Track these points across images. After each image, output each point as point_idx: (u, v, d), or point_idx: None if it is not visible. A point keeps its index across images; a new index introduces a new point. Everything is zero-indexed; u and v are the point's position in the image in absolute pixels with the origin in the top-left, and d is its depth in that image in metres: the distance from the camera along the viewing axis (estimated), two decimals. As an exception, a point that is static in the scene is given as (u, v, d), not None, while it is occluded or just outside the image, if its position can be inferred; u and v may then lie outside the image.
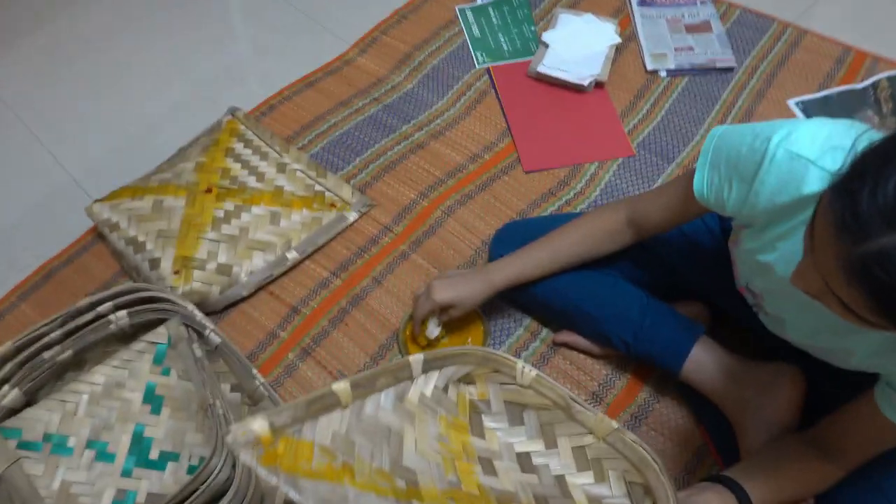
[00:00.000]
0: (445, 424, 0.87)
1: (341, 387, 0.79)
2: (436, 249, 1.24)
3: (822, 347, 0.82)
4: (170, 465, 0.95)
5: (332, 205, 1.28)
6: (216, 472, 0.87)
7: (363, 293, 1.20)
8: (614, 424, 0.80)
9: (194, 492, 0.86)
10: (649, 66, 1.48)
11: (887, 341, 0.70)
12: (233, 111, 1.40)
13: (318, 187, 1.29)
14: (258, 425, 0.72)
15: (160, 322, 1.04)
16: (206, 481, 0.86)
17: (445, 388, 0.88)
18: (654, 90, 1.46)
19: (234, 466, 0.90)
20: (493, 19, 1.61)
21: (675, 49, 1.51)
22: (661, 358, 1.00)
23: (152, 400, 0.99)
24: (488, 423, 0.87)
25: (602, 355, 1.10)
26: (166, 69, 1.57)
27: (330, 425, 0.79)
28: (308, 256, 1.24)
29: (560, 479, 0.83)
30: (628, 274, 1.05)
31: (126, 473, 0.94)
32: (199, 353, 1.01)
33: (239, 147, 1.33)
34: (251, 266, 1.18)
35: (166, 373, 1.01)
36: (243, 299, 1.18)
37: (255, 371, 1.03)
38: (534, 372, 0.84)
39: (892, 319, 0.52)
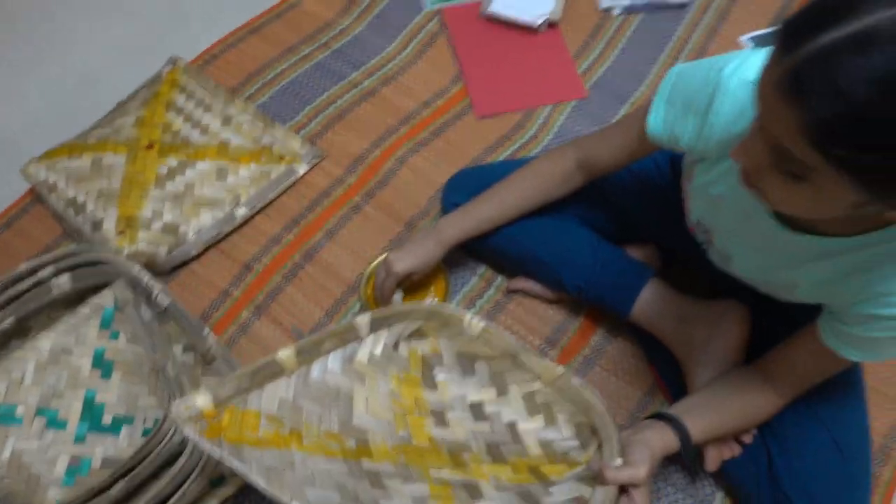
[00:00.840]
0: (397, 381, 0.88)
1: (286, 354, 0.79)
2: (389, 200, 1.22)
3: (768, 282, 0.83)
4: (124, 429, 0.94)
5: (281, 157, 1.24)
6: (170, 434, 0.86)
7: (317, 247, 1.18)
8: (560, 370, 0.82)
9: (148, 454, 0.86)
10: (603, 4, 1.45)
11: (829, 273, 0.72)
12: (174, 61, 1.34)
13: (265, 139, 1.25)
14: (201, 400, 0.73)
15: (106, 285, 1.01)
16: (160, 444, 0.86)
17: (396, 346, 0.88)
18: (608, 29, 1.43)
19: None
20: (443, -43, 1.54)
21: (631, -15, 1.47)
22: (611, 301, 1.01)
23: (102, 365, 0.98)
24: (440, 375, 0.88)
25: (556, 300, 1.11)
26: (103, 11, 1.48)
27: (276, 393, 0.80)
28: (258, 212, 1.21)
29: (511, 426, 0.85)
30: (580, 218, 1.05)
31: (79, 440, 0.93)
32: (147, 315, 0.99)
33: (181, 100, 1.28)
34: (199, 224, 1.15)
35: (115, 336, 0.99)
36: (192, 259, 1.16)
37: (206, 331, 1.02)
38: (482, 323, 0.84)
39: (828, 143, 0.51)
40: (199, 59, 1.40)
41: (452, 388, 0.88)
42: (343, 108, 1.33)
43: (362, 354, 0.87)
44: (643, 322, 1.00)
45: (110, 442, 0.93)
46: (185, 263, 1.16)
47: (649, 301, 0.99)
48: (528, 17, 1.40)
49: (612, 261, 1.02)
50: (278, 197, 1.22)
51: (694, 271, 1.04)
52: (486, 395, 0.87)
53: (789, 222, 0.72)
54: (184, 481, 0.87)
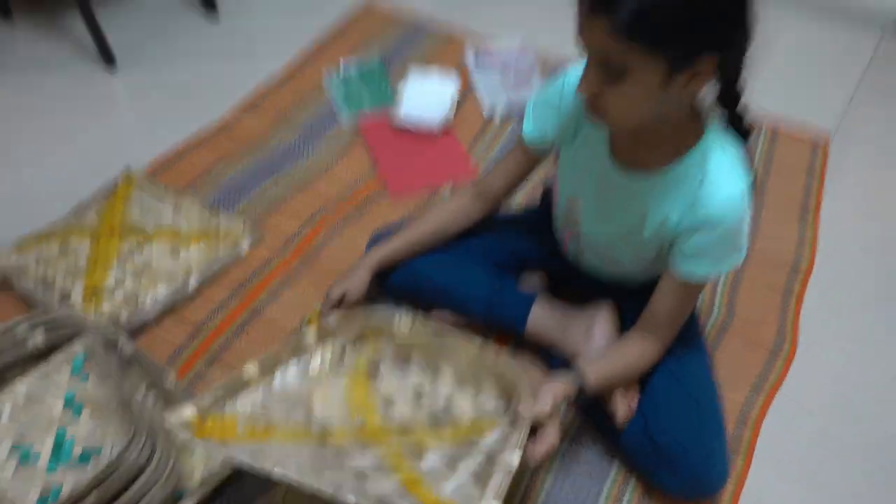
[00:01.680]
0: (348, 381, 1.06)
1: (249, 369, 0.99)
2: (323, 264, 1.44)
3: (622, 241, 1.07)
4: (93, 459, 1.05)
5: (226, 237, 1.45)
6: (133, 454, 0.98)
7: (261, 307, 1.37)
8: (477, 346, 1.02)
9: (111, 474, 0.97)
10: (485, 113, 1.81)
11: (660, 199, 0.96)
12: (127, 170, 1.56)
13: (212, 224, 1.47)
14: (188, 411, 0.92)
15: (75, 337, 1.16)
16: (129, 459, 0.97)
17: (342, 354, 1.07)
18: (491, 130, 1.78)
19: (152, 451, 1.02)
20: (355, 80, 1.89)
21: (507, 98, 1.84)
22: (508, 322, 1.24)
23: (72, 405, 1.10)
24: (383, 371, 1.07)
25: (466, 326, 1.32)
26: (57, 141, 1.70)
27: (247, 400, 0.99)
28: (207, 282, 1.39)
29: (448, 398, 1.03)
30: (483, 256, 1.29)
31: (51, 471, 1.03)
32: (114, 361, 1.14)
33: (136, 197, 1.49)
34: (155, 293, 1.32)
35: (85, 379, 1.12)
36: (150, 323, 1.32)
37: (167, 372, 1.17)
38: (408, 319, 1.05)
39: (626, 20, 0.73)
40: (149, 170, 1.63)
41: (394, 380, 1.06)
42: (277, 199, 1.57)
43: (314, 363, 1.06)
44: (537, 334, 1.23)
45: (80, 471, 1.04)
46: (143, 328, 1.31)
47: (538, 316, 1.22)
48: (429, 122, 1.72)
49: (507, 289, 1.26)
50: (225, 269, 1.42)
51: (572, 288, 1.30)
52: (424, 379, 1.06)
53: (622, 166, 0.99)
54: (148, 491, 0.99)
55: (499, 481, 0.83)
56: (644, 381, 1.12)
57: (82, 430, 1.08)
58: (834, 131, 1.83)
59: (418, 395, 1.05)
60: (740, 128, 0.95)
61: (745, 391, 1.28)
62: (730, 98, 0.92)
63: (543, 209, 1.30)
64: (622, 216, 1.04)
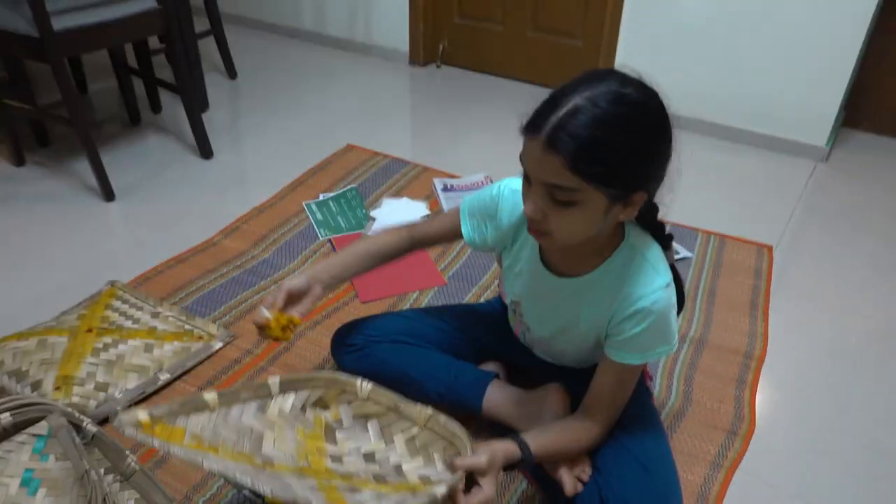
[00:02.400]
0: (302, 434, 1.08)
1: (210, 396, 1.02)
2: (290, 362, 1.49)
3: (563, 335, 1.15)
4: (42, 542, 1.05)
5: (200, 337, 1.52)
6: None
7: (227, 399, 1.40)
8: (429, 411, 1.06)
9: None
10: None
11: (590, 298, 1.05)
12: (112, 282, 1.66)
13: (187, 326, 1.54)
14: (140, 414, 0.94)
15: (41, 419, 1.18)
16: None
17: (304, 409, 1.10)
18: (458, 244, 1.91)
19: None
20: (333, 208, 2.06)
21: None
22: (466, 400, 1.28)
23: (29, 484, 1.10)
24: (340, 436, 1.09)
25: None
26: (50, 263, 1.82)
27: (199, 421, 1.00)
28: (178, 377, 1.44)
29: (397, 467, 1.05)
30: (441, 347, 1.36)
31: (1, 548, 1.02)
32: (77, 440, 1.16)
33: (117, 304, 1.58)
34: (126, 385, 1.37)
35: (45, 459, 1.14)
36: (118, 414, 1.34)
37: (127, 451, 1.18)
38: (370, 385, 1.09)
39: (578, 162, 0.84)
40: (132, 283, 1.73)
41: (349, 443, 1.08)
42: (253, 304, 1.66)
43: (273, 409, 1.08)
44: (493, 413, 1.27)
45: (30, 548, 1.03)
46: (111, 418, 1.34)
47: (493, 396, 1.27)
48: (398, 237, 1.86)
49: (464, 371, 1.31)
50: (196, 366, 1.47)
51: (528, 376, 1.34)
52: (377, 447, 1.08)
53: (555, 271, 1.08)
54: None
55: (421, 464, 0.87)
56: (595, 453, 1.15)
57: (35, 508, 1.08)
58: (776, 244, 1.97)
59: (369, 460, 1.06)
60: (661, 235, 1.07)
61: (704, 470, 1.28)
62: (650, 214, 1.05)
63: (503, 313, 1.40)
64: (559, 315, 1.14)
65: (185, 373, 1.45)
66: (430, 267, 1.81)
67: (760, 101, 2.47)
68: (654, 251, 1.03)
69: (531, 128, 0.88)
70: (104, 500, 1.07)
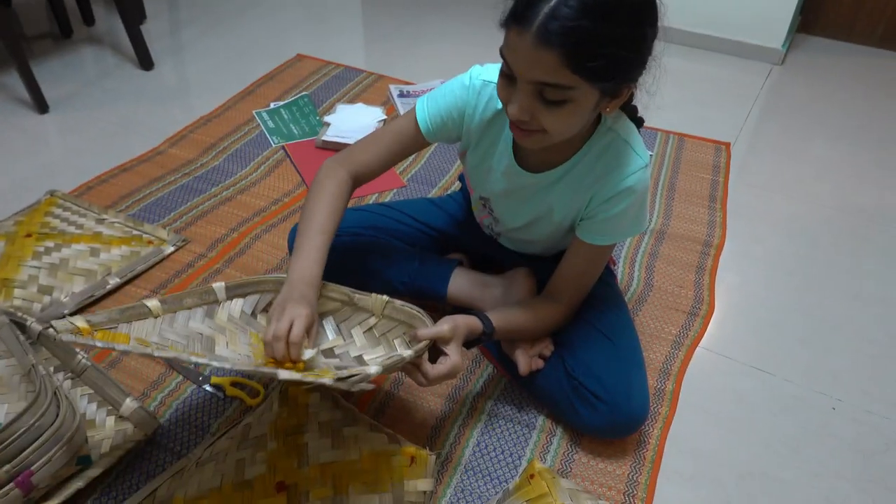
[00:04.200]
0: (256, 339, 1.03)
1: (152, 303, 0.96)
2: (246, 263, 1.44)
3: (535, 225, 1.12)
4: (-10, 435, 1.00)
5: (150, 242, 1.45)
6: (33, 418, 0.92)
7: (182, 301, 1.35)
8: (385, 298, 1.03)
9: (9, 437, 0.91)
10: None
11: (564, 188, 1.02)
12: (51, 192, 1.57)
13: (135, 232, 1.47)
14: (78, 321, 0.88)
15: (-19, 321, 1.12)
16: (19, 428, 0.92)
17: (254, 315, 1.05)
18: (417, 146, 1.86)
19: (56, 415, 0.98)
20: (285, 115, 1.97)
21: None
22: (431, 286, 1.26)
23: (-28, 383, 1.05)
24: None
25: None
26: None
27: (143, 327, 0.94)
28: (128, 282, 1.38)
29: (359, 357, 1.01)
30: (406, 240, 1.32)
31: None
32: (21, 338, 1.10)
33: (58, 211, 1.49)
34: (72, 288, 1.30)
35: (-13, 358, 1.08)
36: (64, 318, 1.28)
37: (77, 350, 1.13)
38: (311, 353, 0.97)
39: (575, 58, 0.76)
40: (74, 192, 1.64)
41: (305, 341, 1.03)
42: (205, 210, 1.59)
43: (221, 314, 1.03)
44: (458, 298, 1.25)
45: (-25, 446, 0.98)
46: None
47: (458, 280, 1.25)
48: (353, 140, 1.79)
49: (427, 259, 1.29)
50: (147, 270, 1.41)
51: (493, 266, 1.33)
52: (335, 343, 1.03)
53: (530, 168, 1.04)
54: (50, 451, 0.94)
55: (386, 360, 0.83)
56: (560, 332, 1.14)
57: (-20, 406, 1.03)
58: (734, 142, 1.97)
59: (328, 356, 1.02)
60: (635, 117, 1.03)
61: (666, 348, 1.30)
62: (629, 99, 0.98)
63: (464, 194, 1.36)
64: (532, 208, 1.10)
65: (135, 277, 1.39)
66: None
67: (717, 6, 2.43)
68: (632, 132, 1.00)
69: (518, 19, 0.78)
70: (55, 393, 1.02)
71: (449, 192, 1.67)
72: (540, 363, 1.11)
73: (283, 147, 1.84)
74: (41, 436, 0.93)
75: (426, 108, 1.08)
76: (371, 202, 1.64)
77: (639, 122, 1.04)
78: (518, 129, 0.89)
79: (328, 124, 1.87)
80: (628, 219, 1.02)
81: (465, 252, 1.38)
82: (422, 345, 0.92)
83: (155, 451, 1.07)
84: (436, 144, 1.55)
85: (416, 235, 1.34)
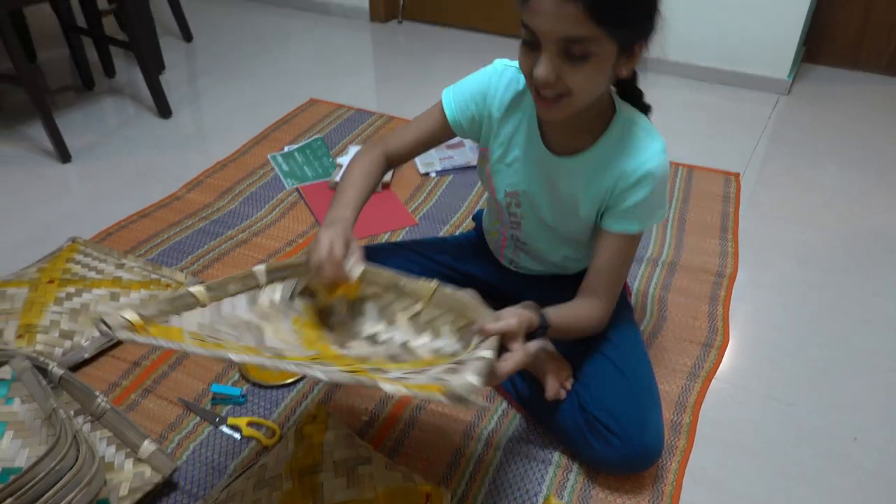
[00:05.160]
0: (298, 324, 1.00)
1: (198, 288, 0.92)
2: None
3: (562, 221, 1.12)
4: (12, 477, 1.01)
5: (168, 285, 1.48)
6: (53, 462, 0.94)
7: (199, 343, 1.37)
8: (433, 284, 0.98)
9: (30, 481, 0.92)
10: (421, 170, 1.94)
11: (591, 176, 1.04)
12: (73, 239, 1.61)
13: (153, 276, 1.50)
14: (129, 314, 0.83)
15: (4, 364, 1.15)
16: (40, 472, 0.93)
17: (292, 298, 1.02)
18: (428, 184, 1.89)
19: (76, 459, 0.99)
20: (299, 158, 2.02)
21: (440, 159, 1.98)
22: None
23: (-5, 427, 1.07)
24: (335, 320, 1.03)
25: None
26: (8, 221, 1.76)
27: (193, 319, 0.91)
28: (147, 325, 1.40)
29: (404, 344, 0.99)
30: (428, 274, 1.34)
31: (-32, 490, 0.99)
32: (43, 383, 1.13)
33: (79, 257, 1.53)
34: (92, 332, 1.33)
35: (10, 402, 1.10)
36: (86, 362, 1.31)
37: (96, 392, 1.15)
38: (360, 267, 0.98)
39: (597, 8, 0.81)
40: (95, 238, 1.68)
41: (347, 329, 1.02)
42: (221, 253, 1.62)
43: (263, 299, 1.00)
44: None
45: (-2, 488, 0.99)
46: (78, 367, 1.30)
47: None
48: (366, 182, 1.83)
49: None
50: (165, 313, 1.43)
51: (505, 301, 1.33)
52: (378, 328, 1.01)
53: (554, 152, 1.06)
54: (69, 495, 0.95)
55: (477, 366, 0.78)
56: (575, 365, 1.15)
57: (3, 451, 1.05)
58: (744, 172, 1.98)
59: (373, 343, 1.00)
60: (642, 104, 1.07)
61: (682, 380, 1.29)
62: (633, 81, 1.04)
63: (477, 234, 1.38)
64: (560, 196, 1.10)
65: (153, 320, 1.41)
66: (399, 208, 1.79)
67: (723, 39, 2.47)
68: (645, 120, 1.04)
69: None
70: (75, 437, 1.04)
71: (460, 230, 1.70)
72: (563, 393, 1.11)
73: (297, 189, 1.88)
74: (61, 479, 0.95)
75: (451, 94, 1.14)
76: (384, 240, 1.67)
77: (646, 109, 1.07)
78: (543, 100, 0.92)
79: (341, 165, 1.91)
80: (653, 203, 1.03)
81: (477, 289, 1.39)
82: (493, 340, 0.88)
83: (173, 494, 1.08)
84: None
85: (428, 273, 1.35)
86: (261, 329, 0.96)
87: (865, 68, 2.62)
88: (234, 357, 0.77)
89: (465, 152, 2.03)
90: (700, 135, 2.19)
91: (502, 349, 0.90)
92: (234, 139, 2.14)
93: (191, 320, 0.90)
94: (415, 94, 2.47)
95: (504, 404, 1.24)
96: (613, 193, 1.03)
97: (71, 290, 1.39)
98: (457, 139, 2.06)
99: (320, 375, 0.75)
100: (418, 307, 1.01)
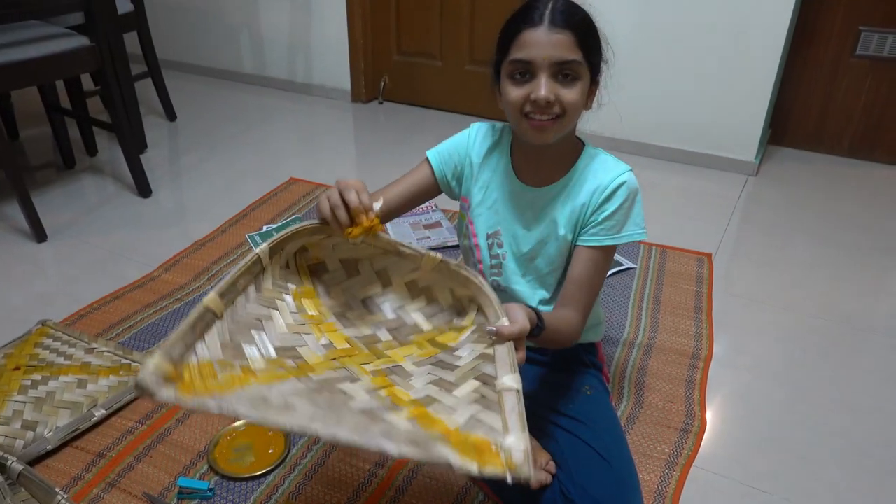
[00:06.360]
0: (296, 295, 0.97)
1: (210, 298, 0.85)
2: (234, 390, 1.44)
3: (543, 250, 1.15)
4: (-39, 584, 0.96)
5: (138, 371, 1.45)
6: None
7: (168, 431, 1.33)
8: (439, 257, 0.93)
9: None
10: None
11: (564, 200, 1.11)
12: (43, 322, 1.58)
13: (124, 360, 1.47)
14: (159, 362, 0.74)
15: (-39, 460, 1.10)
16: None
17: (287, 265, 0.98)
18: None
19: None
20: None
21: (418, 239, 2.00)
22: None
23: (-54, 529, 1.02)
24: (328, 281, 1.00)
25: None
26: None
27: (215, 340, 0.84)
28: (115, 413, 1.36)
29: (398, 311, 0.98)
30: None
31: None
32: (0, 480, 1.08)
33: (48, 342, 1.50)
34: (56, 422, 1.29)
35: (-36, 501, 1.05)
36: (49, 454, 1.26)
37: (57, 489, 1.10)
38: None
39: (581, 37, 0.99)
40: (66, 321, 1.65)
41: (342, 290, 0.99)
42: (195, 336, 1.60)
43: (267, 281, 0.94)
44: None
45: None
46: (41, 459, 1.25)
47: None
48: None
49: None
50: (134, 400, 1.40)
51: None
52: (373, 290, 0.99)
53: (533, 184, 1.13)
54: None
55: (514, 406, 0.78)
56: (554, 452, 1.13)
57: (-48, 555, 0.99)
58: (715, 252, 2.02)
59: (370, 308, 0.98)
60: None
61: (660, 469, 1.27)
62: None
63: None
64: (539, 225, 1.15)
65: (121, 408, 1.38)
66: (377, 290, 1.79)
67: (693, 123, 2.57)
68: (607, 153, 1.15)
69: (527, 20, 0.99)
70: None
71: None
72: (549, 478, 1.09)
73: (274, 269, 1.87)
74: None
75: (435, 151, 1.23)
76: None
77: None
78: (536, 124, 1.01)
79: (319, 246, 1.92)
80: (626, 215, 1.09)
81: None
82: (511, 353, 0.85)
83: None
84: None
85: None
86: (272, 320, 0.92)
87: (828, 151, 2.73)
88: (298, 427, 0.71)
89: (442, 232, 2.05)
90: (672, 215, 2.24)
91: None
92: (214, 218, 2.15)
93: (214, 342, 0.83)
94: (394, 172, 2.49)
95: (480, 495, 1.21)
96: (589, 208, 1.10)
97: (37, 377, 1.36)
98: (434, 219, 2.10)
99: (322, 433, 0.70)
100: (416, 274, 0.98)
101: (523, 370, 1.20)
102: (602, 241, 1.09)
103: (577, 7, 1.01)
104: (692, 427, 1.37)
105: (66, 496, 1.10)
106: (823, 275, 1.92)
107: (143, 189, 2.30)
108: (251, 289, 0.92)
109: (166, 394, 0.70)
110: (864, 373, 1.55)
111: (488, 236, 1.20)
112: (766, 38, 2.34)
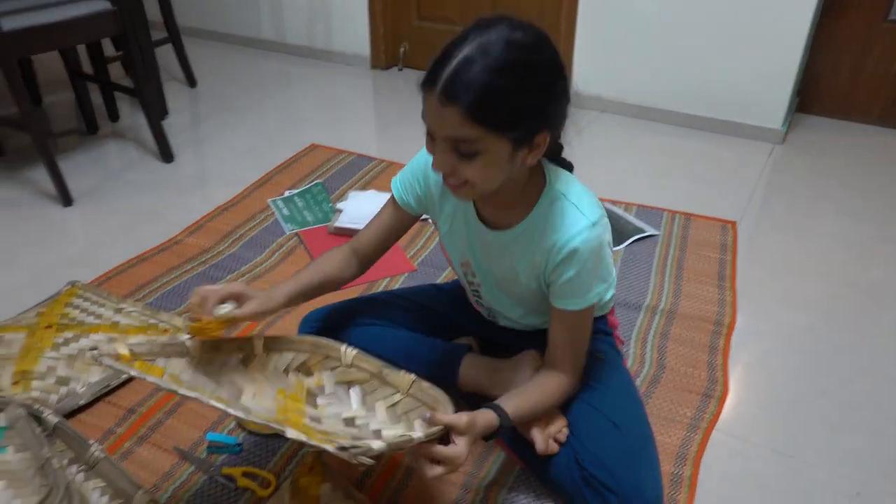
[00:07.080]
0: (283, 395, 1.04)
1: (191, 344, 0.99)
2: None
3: (507, 289, 1.15)
4: (3, 528, 1.00)
5: (166, 331, 1.48)
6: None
7: (196, 389, 1.36)
8: (412, 377, 1.04)
9: None
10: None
11: (523, 250, 1.05)
12: (72, 283, 1.61)
13: (151, 321, 1.50)
14: (121, 347, 0.92)
15: (-1, 412, 1.14)
16: None
17: (286, 372, 1.07)
18: (427, 231, 1.90)
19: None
20: (299, 203, 2.03)
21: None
22: (442, 376, 1.26)
23: (-13, 477, 1.05)
24: (321, 401, 1.06)
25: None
26: (2, 265, 1.76)
27: (179, 365, 0.98)
28: (143, 371, 1.39)
29: (377, 432, 1.02)
30: (414, 328, 1.34)
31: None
32: (37, 430, 1.11)
33: (78, 301, 1.53)
34: (88, 378, 1.32)
35: (3, 451, 1.09)
36: (82, 409, 1.30)
37: (90, 441, 1.13)
38: (354, 351, 1.07)
39: (476, 111, 0.83)
40: (94, 282, 1.68)
41: (330, 408, 1.05)
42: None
43: (255, 366, 1.05)
44: (469, 384, 1.25)
45: (-11, 540, 0.98)
46: (74, 413, 1.29)
47: (468, 368, 1.26)
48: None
49: (437, 347, 1.29)
50: (162, 359, 1.43)
51: (501, 348, 1.33)
52: (358, 413, 1.05)
53: (489, 225, 1.08)
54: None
55: (391, 436, 0.86)
56: (568, 416, 1.14)
57: (-5, 501, 1.03)
58: (740, 220, 2.00)
59: (350, 424, 1.03)
60: (562, 161, 1.09)
61: (682, 432, 1.28)
62: (556, 152, 1.07)
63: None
64: (500, 267, 1.13)
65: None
66: (399, 254, 1.80)
67: (719, 90, 2.52)
68: (577, 190, 1.02)
69: (427, 83, 0.87)
70: (67, 487, 1.02)
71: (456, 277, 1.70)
72: (556, 447, 1.10)
73: (297, 234, 1.89)
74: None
75: (398, 180, 1.18)
76: (382, 287, 1.67)
77: (569, 167, 1.09)
78: (447, 182, 0.95)
79: (340, 211, 1.93)
80: (585, 281, 1.03)
81: (472, 335, 1.40)
82: (435, 429, 0.92)
83: (165, 547, 1.06)
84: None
85: (423, 322, 1.35)
86: (241, 389, 1.00)
87: (857, 119, 2.67)
88: (181, 391, 0.85)
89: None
90: (697, 183, 2.22)
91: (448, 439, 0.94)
92: (236, 183, 2.16)
93: (176, 365, 0.96)
94: (414, 139, 2.49)
95: (503, 456, 1.23)
96: (548, 267, 1.04)
97: (68, 335, 1.39)
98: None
99: (239, 414, 0.85)
100: (397, 398, 1.05)
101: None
102: (568, 305, 1.05)
103: (490, 71, 0.83)
104: (714, 392, 1.37)
105: (100, 447, 1.13)
106: (849, 245, 1.90)
107: (166, 154, 2.31)
108: (233, 359, 1.04)
109: (109, 362, 0.88)
110: (888, 342, 1.54)
111: (461, 264, 1.20)
112: (796, 1, 2.28)
